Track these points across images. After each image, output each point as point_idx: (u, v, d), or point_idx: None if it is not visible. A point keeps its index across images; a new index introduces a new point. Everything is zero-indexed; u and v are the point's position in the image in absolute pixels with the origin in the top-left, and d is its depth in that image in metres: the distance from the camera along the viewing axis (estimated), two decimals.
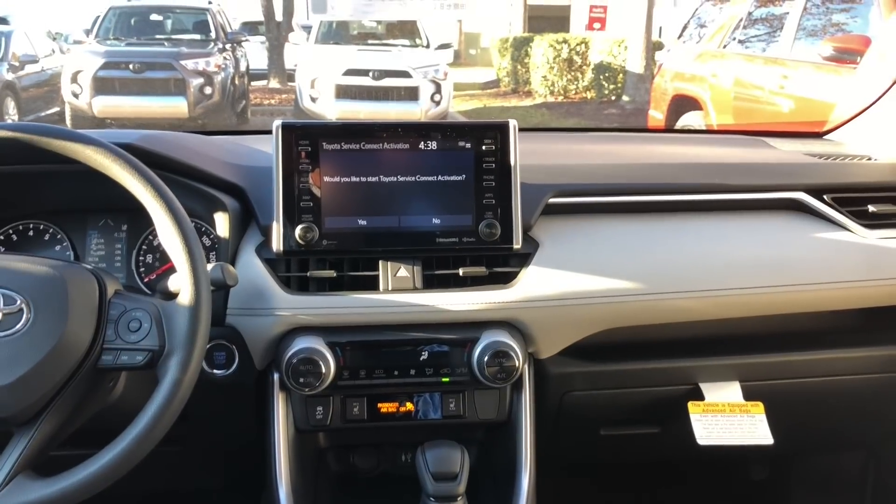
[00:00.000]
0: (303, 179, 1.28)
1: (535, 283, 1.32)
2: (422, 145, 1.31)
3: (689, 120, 5.73)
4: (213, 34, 9.47)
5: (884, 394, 1.61)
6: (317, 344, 1.26)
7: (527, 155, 1.36)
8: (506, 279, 1.33)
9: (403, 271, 1.31)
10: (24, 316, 1.00)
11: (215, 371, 1.31)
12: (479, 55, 18.58)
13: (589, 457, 1.81)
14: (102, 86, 8.14)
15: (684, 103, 5.87)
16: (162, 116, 8.09)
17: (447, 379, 1.32)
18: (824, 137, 1.92)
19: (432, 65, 9.03)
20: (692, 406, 1.47)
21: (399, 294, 1.30)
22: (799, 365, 1.52)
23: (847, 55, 4.16)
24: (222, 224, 1.32)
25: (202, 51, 8.95)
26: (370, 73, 8.59)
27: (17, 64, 8.58)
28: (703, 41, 6.43)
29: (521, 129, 1.34)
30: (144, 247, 1.41)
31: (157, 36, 9.62)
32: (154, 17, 9.84)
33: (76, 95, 8.18)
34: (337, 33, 10.68)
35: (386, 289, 1.30)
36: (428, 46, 10.18)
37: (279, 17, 12.46)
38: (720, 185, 1.48)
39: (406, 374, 1.32)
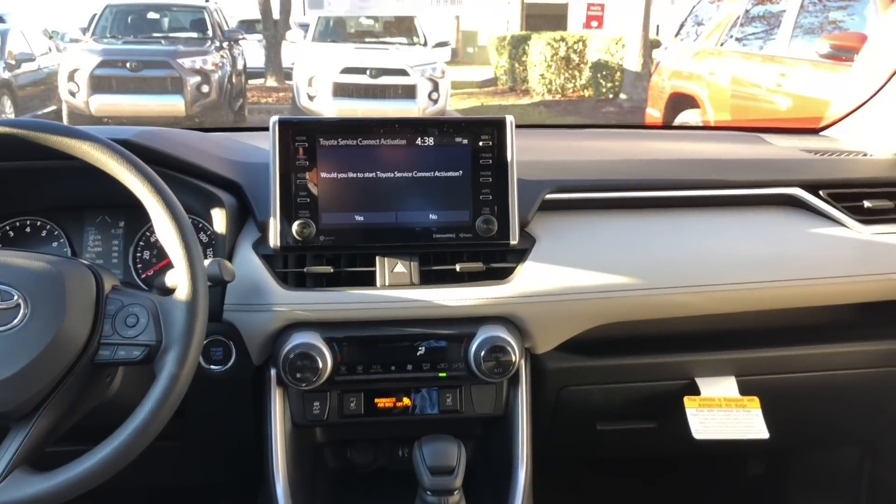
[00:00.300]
0: (300, 175, 1.28)
1: (532, 278, 1.33)
2: (419, 141, 1.31)
3: (686, 118, 5.74)
4: (210, 32, 9.45)
5: (879, 389, 1.62)
6: (314, 339, 1.26)
7: (524, 151, 1.36)
8: (503, 275, 1.33)
9: (400, 267, 1.32)
10: (21, 311, 1.00)
11: (212, 367, 1.31)
12: (477, 53, 18.59)
13: (585, 451, 1.81)
14: (99, 84, 8.13)
15: (682, 101, 5.88)
16: (159, 115, 8.07)
17: (444, 374, 1.33)
18: (820, 134, 1.93)
19: (430, 63, 9.03)
20: (688, 401, 1.47)
21: (396, 290, 1.30)
22: (795, 360, 1.53)
23: (844, 52, 4.17)
24: (219, 220, 1.32)
25: (199, 49, 8.93)
26: (367, 71, 8.58)
27: (13, 62, 8.57)
28: (700, 39, 6.43)
29: (518, 126, 1.35)
30: (142, 243, 1.42)
31: (154, 34, 9.60)
32: (151, 15, 9.82)
33: (73, 94, 8.16)
34: (334, 31, 10.68)
35: (383, 284, 1.31)
36: (425, 44, 10.18)
37: (276, 15, 12.44)
38: (716, 180, 1.48)
39: (403, 369, 1.32)
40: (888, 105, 1.75)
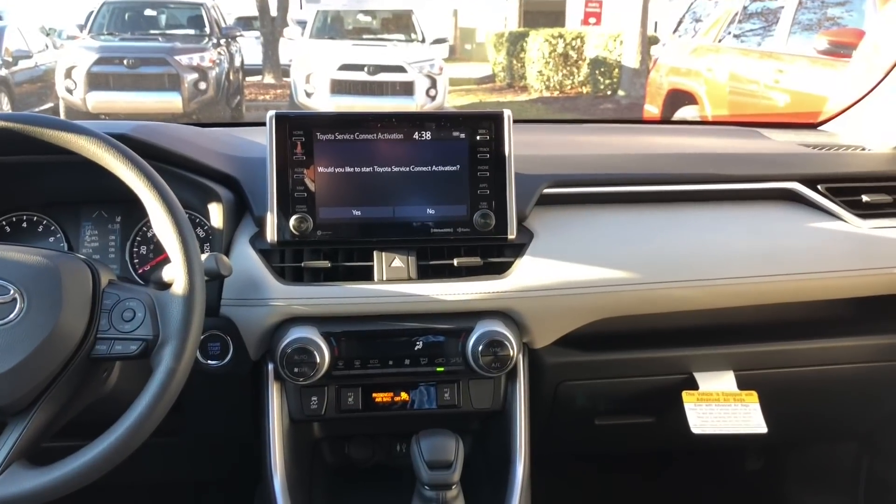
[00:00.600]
0: (297, 170, 1.28)
1: (530, 272, 1.33)
2: (416, 135, 1.31)
3: (684, 114, 5.74)
4: (207, 29, 9.44)
5: (877, 383, 1.62)
6: (311, 334, 1.26)
7: (522, 146, 1.36)
8: (500, 269, 1.33)
9: (398, 261, 1.31)
10: (18, 306, 1.00)
11: (210, 362, 1.31)
12: (475, 50, 18.57)
13: (583, 446, 1.81)
14: (96, 81, 8.12)
15: (680, 98, 5.88)
16: (156, 112, 8.05)
17: (442, 369, 1.33)
18: (818, 128, 1.93)
19: (427, 60, 9.02)
20: (686, 395, 1.47)
21: (394, 284, 1.30)
22: (793, 354, 1.53)
23: (842, 49, 4.17)
24: (216, 215, 1.32)
25: (196, 46, 8.91)
26: (365, 68, 8.58)
27: (10, 59, 8.54)
28: (698, 35, 6.44)
29: (516, 121, 1.34)
30: (138, 238, 1.41)
31: (152, 31, 9.59)
32: (148, 12, 9.80)
33: (70, 91, 8.16)
34: (332, 28, 10.67)
35: (381, 279, 1.30)
36: (423, 41, 10.17)
37: (274, 11, 12.43)
38: (715, 175, 1.48)
39: (401, 363, 1.32)
40: (886, 100, 1.74)
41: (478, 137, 1.31)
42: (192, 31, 9.53)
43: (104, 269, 1.10)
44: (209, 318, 1.16)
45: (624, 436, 1.70)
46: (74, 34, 9.21)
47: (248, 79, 11.17)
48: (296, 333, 1.25)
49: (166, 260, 1.08)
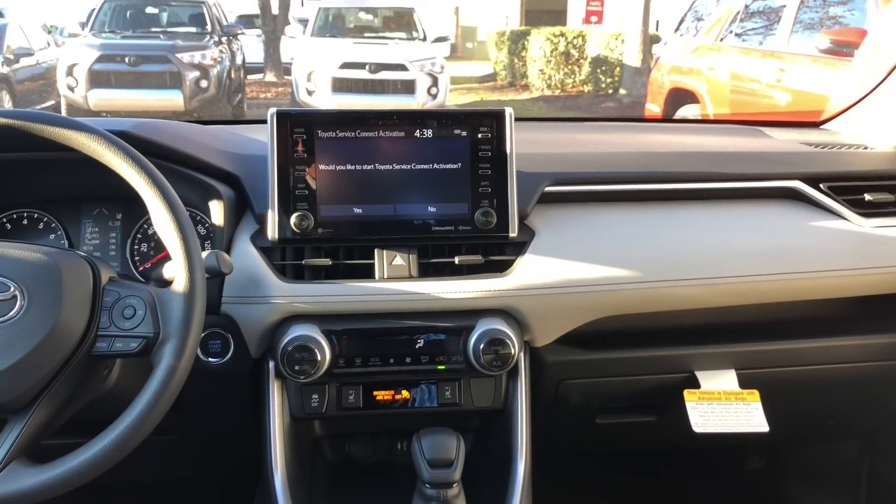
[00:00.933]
0: (298, 167, 1.28)
1: (531, 271, 1.32)
2: (417, 133, 1.31)
3: (685, 113, 5.74)
4: (209, 27, 9.43)
5: (879, 382, 1.61)
6: (312, 332, 1.26)
7: (523, 144, 1.36)
8: (502, 267, 1.33)
9: (399, 259, 1.31)
10: (18, 303, 1.00)
11: (210, 359, 1.31)
12: (476, 49, 18.56)
13: (584, 445, 1.81)
14: (98, 79, 8.12)
15: (681, 96, 5.87)
16: (158, 109, 8.06)
17: (443, 367, 1.32)
18: (821, 127, 1.92)
19: (429, 58, 9.01)
20: (688, 394, 1.47)
21: (395, 282, 1.30)
22: (795, 353, 1.53)
23: (844, 48, 4.16)
24: (217, 212, 1.31)
25: (198, 44, 8.91)
26: (367, 67, 8.58)
27: (11, 57, 8.54)
28: (700, 34, 6.43)
29: (517, 119, 1.34)
30: (139, 235, 1.41)
31: (153, 29, 9.58)
32: (150, 9, 9.79)
33: (72, 89, 8.15)
34: (333, 26, 10.65)
35: (381, 277, 1.30)
36: (424, 40, 10.16)
37: (275, 10, 12.42)
38: (717, 173, 1.48)
39: (402, 362, 1.32)
40: (889, 98, 1.74)
41: (479, 135, 1.31)
42: (193, 29, 9.52)
43: (104, 267, 1.09)
44: (210, 316, 1.15)
45: (625, 434, 1.70)
46: (76, 32, 9.20)
47: (249, 77, 11.17)
48: (297, 331, 1.25)
49: (167, 257, 1.08)
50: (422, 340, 1.32)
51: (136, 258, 1.41)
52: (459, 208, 1.31)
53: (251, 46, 11.48)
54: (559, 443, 1.70)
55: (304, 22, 10.96)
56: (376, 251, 1.31)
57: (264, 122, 1.29)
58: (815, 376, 1.56)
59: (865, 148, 1.68)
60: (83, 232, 1.41)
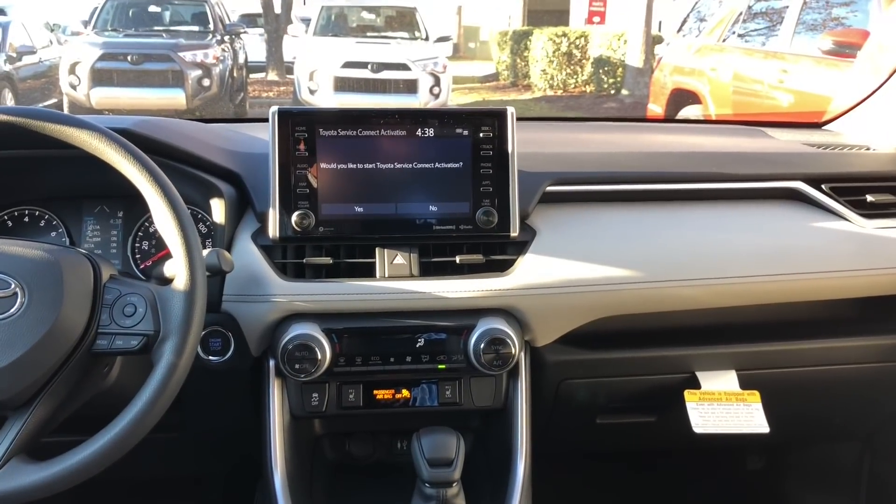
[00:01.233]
0: (299, 166, 1.28)
1: (532, 270, 1.32)
2: (419, 132, 1.31)
3: (688, 114, 5.73)
4: (211, 26, 9.44)
5: (880, 383, 1.61)
6: (313, 330, 1.26)
7: (525, 143, 1.35)
8: (503, 267, 1.33)
9: (400, 258, 1.31)
10: (19, 300, 1.00)
11: (211, 358, 1.31)
12: (479, 48, 18.54)
13: (584, 445, 1.81)
14: (100, 77, 8.13)
15: (684, 97, 5.87)
16: (160, 108, 8.06)
17: (443, 366, 1.32)
18: (823, 128, 1.92)
19: (431, 58, 9.01)
20: (688, 394, 1.47)
21: (395, 281, 1.30)
22: (795, 354, 1.52)
23: (846, 49, 4.16)
24: (218, 210, 1.31)
25: (200, 42, 8.92)
26: (369, 66, 8.58)
27: (14, 55, 8.55)
28: (702, 35, 6.42)
29: (519, 118, 1.34)
30: (140, 233, 1.41)
31: (156, 27, 9.59)
32: (152, 8, 9.80)
33: (74, 87, 8.16)
34: (336, 25, 10.66)
35: (382, 276, 1.30)
36: (427, 39, 10.16)
37: (278, 9, 12.42)
38: (719, 174, 1.48)
39: (402, 361, 1.32)
40: (891, 100, 1.74)
41: (481, 135, 1.31)
42: (195, 28, 9.53)
43: (105, 264, 1.09)
44: (210, 314, 1.15)
45: (625, 435, 1.69)
46: (78, 30, 9.23)
47: (251, 76, 11.17)
48: (297, 330, 1.25)
49: (168, 255, 1.08)
50: (422, 339, 1.31)
51: (137, 256, 1.41)
52: (461, 207, 1.31)
53: (253, 45, 11.48)
54: (559, 443, 1.69)
55: (306, 21, 10.96)
56: (377, 250, 1.31)
57: (266, 120, 1.29)
58: (816, 377, 1.55)
59: (868, 149, 1.68)
60: (84, 229, 1.41)
